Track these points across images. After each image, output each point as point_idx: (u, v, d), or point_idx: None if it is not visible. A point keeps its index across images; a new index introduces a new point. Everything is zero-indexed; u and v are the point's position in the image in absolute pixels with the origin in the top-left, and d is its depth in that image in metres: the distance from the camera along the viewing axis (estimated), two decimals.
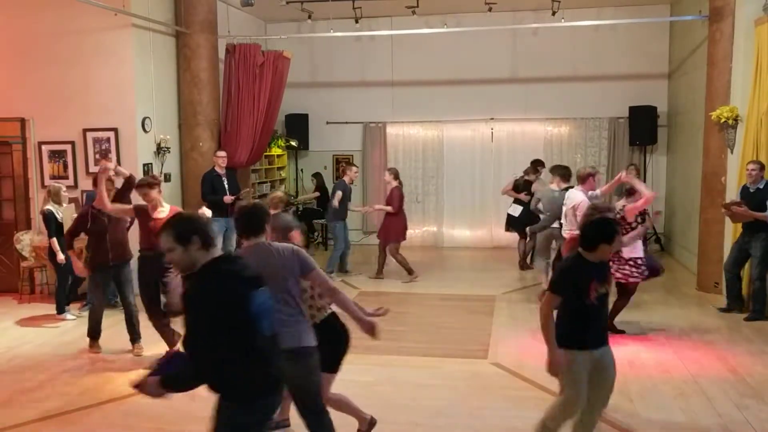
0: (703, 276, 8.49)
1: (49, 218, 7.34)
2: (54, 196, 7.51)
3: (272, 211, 6.99)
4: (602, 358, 3.84)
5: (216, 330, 2.72)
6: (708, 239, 8.37)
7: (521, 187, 9.89)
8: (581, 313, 3.75)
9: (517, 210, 9.85)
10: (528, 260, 9.90)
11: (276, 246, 3.74)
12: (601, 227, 3.83)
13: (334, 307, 4.09)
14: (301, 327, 3.72)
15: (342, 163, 12.36)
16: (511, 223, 10.05)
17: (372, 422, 4.34)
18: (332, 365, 4.05)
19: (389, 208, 9.18)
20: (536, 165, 9.87)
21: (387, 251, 9.31)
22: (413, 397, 5.16)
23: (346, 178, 9.57)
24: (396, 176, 9.32)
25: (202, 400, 5.32)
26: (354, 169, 9.64)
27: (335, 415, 3.98)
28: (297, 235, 6.29)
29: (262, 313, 2.85)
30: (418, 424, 4.71)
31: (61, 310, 7.50)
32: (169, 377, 2.80)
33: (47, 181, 8.42)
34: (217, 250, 2.89)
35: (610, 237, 3.77)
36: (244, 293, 2.79)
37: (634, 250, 6.36)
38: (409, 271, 9.26)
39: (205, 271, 2.81)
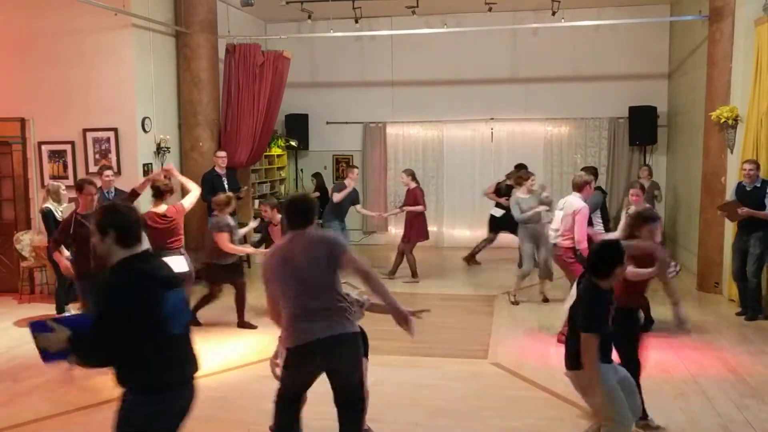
0: (703, 276, 8.49)
1: (48, 217, 7.33)
2: (53, 195, 7.50)
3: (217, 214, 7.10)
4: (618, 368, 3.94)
5: (122, 325, 2.77)
6: (708, 239, 8.37)
7: (503, 191, 9.87)
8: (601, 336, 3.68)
9: (498, 212, 9.90)
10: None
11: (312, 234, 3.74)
12: (611, 252, 3.76)
13: None
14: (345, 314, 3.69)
15: (342, 163, 12.39)
16: (493, 225, 10.09)
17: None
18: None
19: (420, 208, 9.23)
20: (520, 170, 9.83)
21: (403, 250, 9.32)
22: (413, 397, 5.16)
23: (347, 181, 9.54)
24: (414, 177, 9.39)
25: (201, 401, 5.33)
26: (356, 171, 9.62)
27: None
28: (223, 238, 6.37)
29: (174, 313, 2.90)
30: (418, 424, 4.71)
31: (60, 310, 7.49)
32: (77, 336, 2.80)
33: (47, 181, 8.41)
34: (140, 248, 2.95)
35: (621, 258, 3.73)
36: (154, 292, 2.85)
37: None
38: (414, 273, 9.27)
39: (119, 267, 2.90)
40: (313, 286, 3.61)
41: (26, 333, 7.39)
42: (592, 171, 8.33)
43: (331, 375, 3.68)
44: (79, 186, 6.28)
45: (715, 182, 8.22)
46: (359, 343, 3.76)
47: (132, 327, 2.78)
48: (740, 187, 7.16)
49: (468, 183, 12.00)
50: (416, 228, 9.26)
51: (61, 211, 7.41)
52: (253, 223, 8.17)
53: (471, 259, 10.42)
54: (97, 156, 8.51)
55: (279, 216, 7.23)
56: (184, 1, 9.19)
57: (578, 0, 10.25)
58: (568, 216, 6.70)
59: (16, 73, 8.58)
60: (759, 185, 7.01)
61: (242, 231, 7.66)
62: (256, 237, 8.36)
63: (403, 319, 3.82)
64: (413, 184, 9.30)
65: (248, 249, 7.59)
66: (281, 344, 3.84)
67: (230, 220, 7.21)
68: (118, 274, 2.90)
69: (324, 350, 3.56)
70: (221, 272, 7.14)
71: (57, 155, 8.65)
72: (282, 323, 3.72)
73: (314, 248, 3.66)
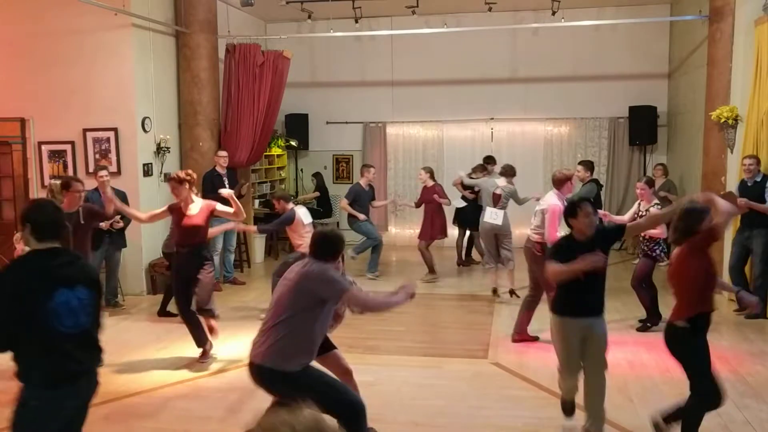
0: None
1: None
2: (55, 195, 7.50)
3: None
4: (591, 327, 4.24)
5: (6, 316, 2.89)
6: None
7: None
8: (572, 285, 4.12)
9: (461, 203, 9.98)
10: (463, 256, 10.41)
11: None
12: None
13: None
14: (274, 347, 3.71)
15: (342, 163, 12.39)
16: (457, 217, 10.20)
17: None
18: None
19: (446, 201, 9.40)
20: (487, 162, 9.94)
21: (422, 248, 9.36)
22: (413, 397, 5.16)
23: (362, 180, 9.57)
24: (432, 175, 9.51)
25: (202, 400, 5.34)
26: (372, 170, 9.66)
27: None
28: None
29: (65, 312, 2.94)
30: (418, 424, 4.71)
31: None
32: None
33: (47, 181, 8.40)
34: (52, 244, 3.03)
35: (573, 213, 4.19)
36: (38, 288, 2.91)
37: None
38: (431, 269, 9.33)
39: (16, 259, 3.09)
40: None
41: None
42: (589, 165, 8.42)
43: None
44: (66, 184, 6.23)
45: (715, 182, 8.21)
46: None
47: (12, 318, 2.88)
48: (742, 184, 7.21)
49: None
50: (438, 224, 9.34)
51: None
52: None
53: (466, 259, 10.42)
54: (97, 156, 8.50)
55: (290, 206, 7.40)
56: (184, 1, 9.19)
57: (578, 0, 10.25)
58: (538, 211, 6.50)
59: (16, 73, 8.57)
60: (759, 180, 7.06)
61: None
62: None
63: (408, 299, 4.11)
64: (431, 182, 9.40)
65: (226, 226, 7.40)
66: None
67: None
68: (9, 267, 3.10)
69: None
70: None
71: (57, 155, 8.65)
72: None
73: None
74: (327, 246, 3.86)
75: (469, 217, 9.68)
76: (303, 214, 7.50)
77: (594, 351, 4.27)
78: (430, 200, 9.33)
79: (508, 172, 8.63)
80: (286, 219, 7.28)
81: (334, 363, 4.22)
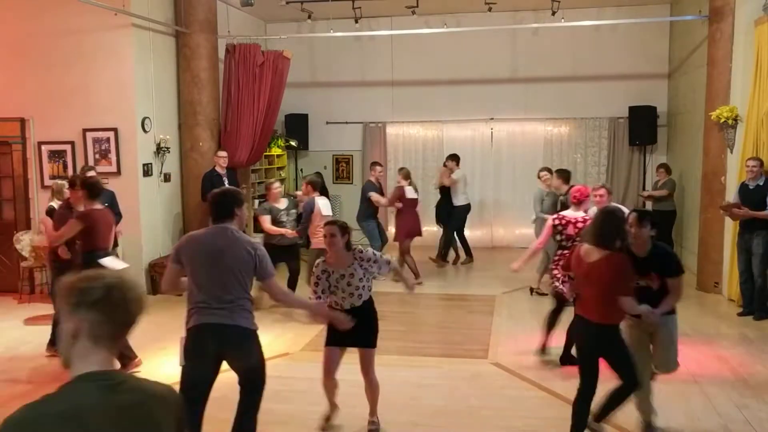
0: (703, 276, 8.48)
1: (51, 215, 7.35)
2: (57, 194, 7.51)
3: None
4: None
5: None
6: (708, 239, 8.37)
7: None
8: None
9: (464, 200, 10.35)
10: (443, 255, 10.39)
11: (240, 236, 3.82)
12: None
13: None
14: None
15: (342, 163, 12.38)
16: (439, 215, 10.40)
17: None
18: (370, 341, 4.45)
19: (384, 202, 9.28)
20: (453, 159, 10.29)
21: (403, 249, 9.25)
22: (413, 397, 5.16)
23: (372, 177, 9.53)
24: (405, 176, 9.32)
25: None
26: (378, 168, 9.60)
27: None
28: (263, 220, 6.35)
29: None
30: (418, 424, 4.71)
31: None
32: None
33: (47, 181, 8.41)
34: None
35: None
36: None
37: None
38: (416, 274, 9.03)
39: None
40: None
41: (26, 333, 7.43)
42: (565, 174, 8.09)
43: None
44: (72, 183, 6.25)
45: (715, 182, 8.22)
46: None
47: None
48: (743, 186, 7.15)
49: (468, 183, 11.97)
50: (410, 224, 9.18)
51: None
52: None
53: (466, 257, 10.43)
54: (97, 156, 8.50)
55: (315, 194, 7.58)
56: (184, 1, 9.19)
57: (578, 0, 10.25)
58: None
59: (16, 73, 8.58)
60: (762, 183, 7.00)
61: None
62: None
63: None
64: (403, 182, 9.23)
65: (282, 230, 7.56)
66: None
67: (270, 206, 7.67)
68: None
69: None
70: (277, 252, 6.98)
71: (57, 155, 8.65)
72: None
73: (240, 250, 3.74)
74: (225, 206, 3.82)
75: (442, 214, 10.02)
76: (323, 205, 7.50)
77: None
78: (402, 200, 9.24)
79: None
80: (308, 210, 7.32)
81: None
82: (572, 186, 6.52)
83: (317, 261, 4.49)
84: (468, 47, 11.37)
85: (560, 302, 5.92)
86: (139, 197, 8.39)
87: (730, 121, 7.78)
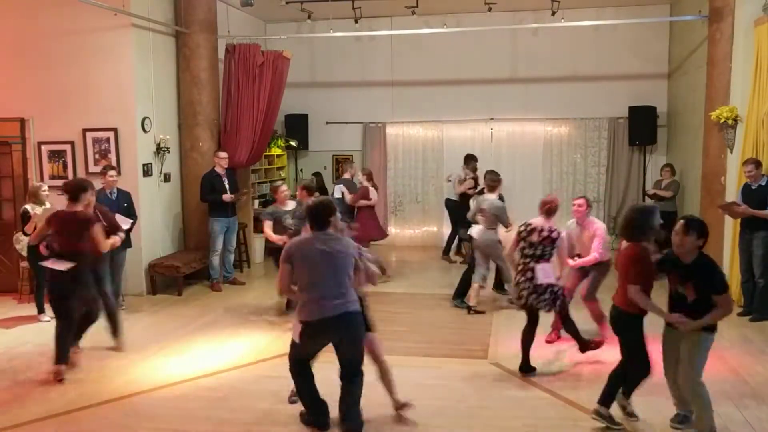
0: None
1: (22, 217, 7.42)
2: (32, 196, 7.51)
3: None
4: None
5: None
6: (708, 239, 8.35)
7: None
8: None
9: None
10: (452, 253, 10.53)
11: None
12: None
13: None
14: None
15: (342, 163, 12.39)
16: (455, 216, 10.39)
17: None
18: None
19: (349, 198, 9.25)
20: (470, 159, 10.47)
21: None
22: (413, 397, 5.14)
23: (346, 175, 9.59)
24: (369, 177, 9.44)
25: (201, 400, 5.34)
26: (354, 165, 9.67)
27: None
28: (264, 225, 6.50)
29: None
30: (418, 424, 4.71)
31: (40, 309, 7.47)
32: None
33: (47, 181, 8.40)
34: None
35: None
36: None
37: (548, 276, 5.63)
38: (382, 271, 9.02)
39: None
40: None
41: (27, 333, 7.43)
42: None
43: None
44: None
45: (715, 182, 8.21)
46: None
47: None
48: (746, 187, 7.16)
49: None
50: (371, 226, 9.19)
51: (38, 213, 7.21)
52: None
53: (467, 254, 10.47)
54: (97, 156, 8.49)
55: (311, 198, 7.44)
56: (183, 1, 9.19)
57: (578, 0, 10.26)
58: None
59: (15, 73, 8.57)
60: (764, 184, 7.00)
61: None
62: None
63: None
64: (367, 183, 9.34)
65: (279, 238, 7.32)
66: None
67: (275, 209, 7.60)
68: None
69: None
70: (278, 255, 6.97)
71: (57, 155, 8.65)
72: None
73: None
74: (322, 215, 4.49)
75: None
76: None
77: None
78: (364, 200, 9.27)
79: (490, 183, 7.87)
80: (303, 215, 7.28)
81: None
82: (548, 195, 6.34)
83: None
84: (468, 47, 11.39)
85: (533, 316, 5.73)
86: (139, 197, 8.38)
87: (729, 122, 7.77)
